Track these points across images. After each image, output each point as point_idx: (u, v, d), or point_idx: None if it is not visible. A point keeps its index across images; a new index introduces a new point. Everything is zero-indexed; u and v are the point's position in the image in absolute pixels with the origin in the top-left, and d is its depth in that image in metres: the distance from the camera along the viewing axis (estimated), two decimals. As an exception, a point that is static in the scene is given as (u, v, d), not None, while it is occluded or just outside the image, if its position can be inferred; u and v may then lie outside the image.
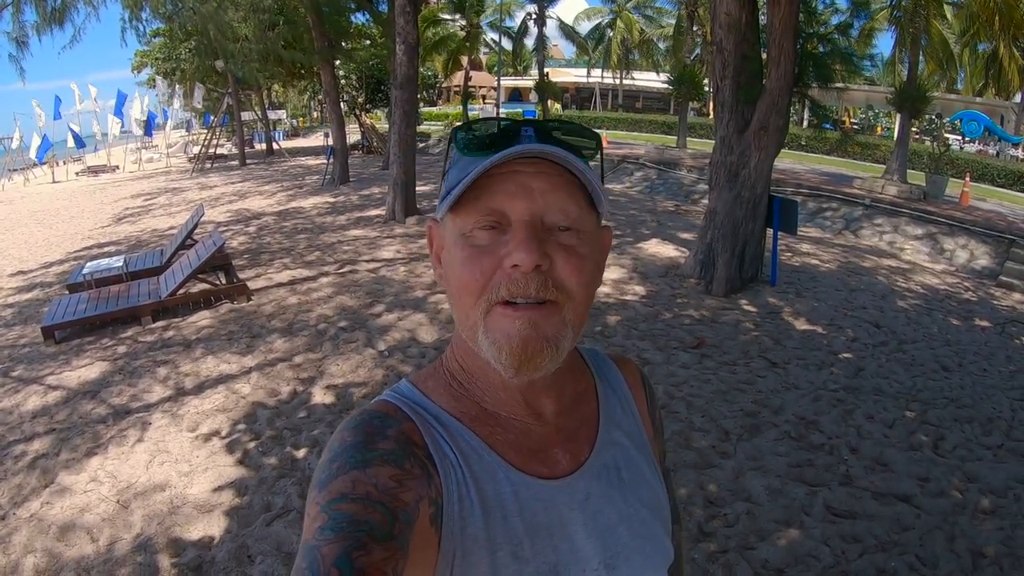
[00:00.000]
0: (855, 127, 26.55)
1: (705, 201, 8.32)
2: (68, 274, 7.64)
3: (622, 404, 0.79)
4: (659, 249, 8.45)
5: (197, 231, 8.50)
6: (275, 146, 24.96)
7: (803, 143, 21.33)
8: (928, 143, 20.20)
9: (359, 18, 18.96)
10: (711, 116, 19.39)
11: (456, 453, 0.64)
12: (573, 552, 0.65)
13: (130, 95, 25.93)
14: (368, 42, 21.62)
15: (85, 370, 4.87)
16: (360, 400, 4.28)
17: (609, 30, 32.99)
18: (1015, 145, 19.91)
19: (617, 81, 36.70)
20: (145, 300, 5.94)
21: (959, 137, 20.67)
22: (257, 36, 15.95)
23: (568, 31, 33.53)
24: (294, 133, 36.72)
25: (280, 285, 6.92)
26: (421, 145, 21.26)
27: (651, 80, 34.43)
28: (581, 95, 41.75)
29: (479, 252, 0.61)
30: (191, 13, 13.55)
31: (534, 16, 28.13)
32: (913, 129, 17.82)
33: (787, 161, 17.77)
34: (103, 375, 4.78)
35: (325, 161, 16.66)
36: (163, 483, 3.39)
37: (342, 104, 18.79)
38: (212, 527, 3.03)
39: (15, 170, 23.22)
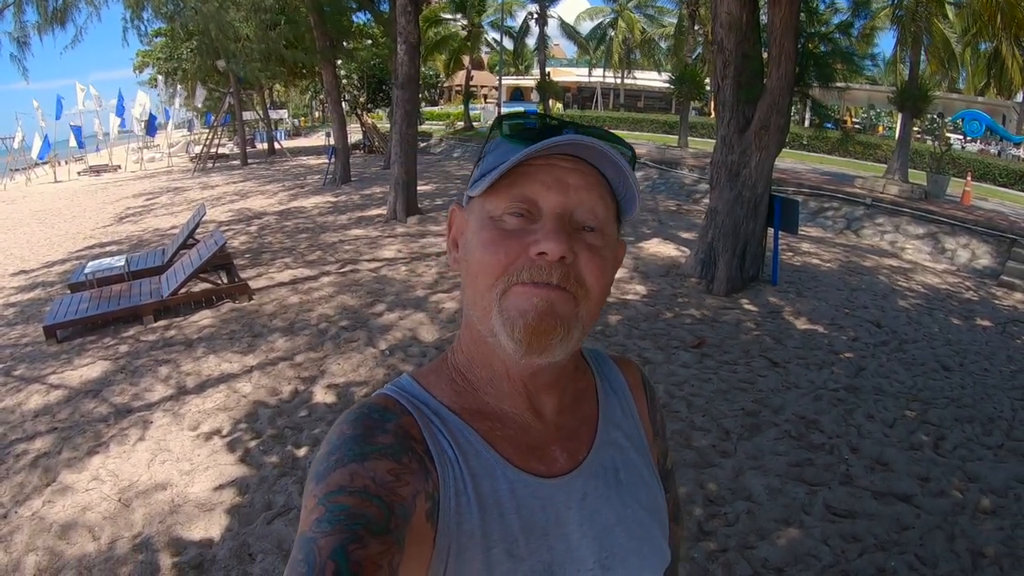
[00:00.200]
0: (857, 126, 26.52)
1: (706, 200, 8.32)
2: (70, 273, 7.65)
3: (622, 405, 0.79)
4: (660, 248, 8.45)
5: (199, 230, 8.51)
6: (277, 146, 24.99)
7: (804, 142, 21.30)
8: (930, 142, 20.17)
9: (360, 18, 18.97)
10: (712, 115, 19.38)
11: (454, 449, 0.63)
12: (569, 551, 0.65)
13: (132, 95, 25.98)
14: (369, 42, 21.64)
15: (87, 369, 4.88)
16: (361, 399, 4.28)
17: (610, 29, 32.95)
18: (1017, 144, 19.88)
19: (619, 80, 36.67)
20: (147, 299, 5.96)
21: (960, 136, 20.64)
22: (258, 36, 15.95)
23: (569, 31, 33.49)
24: (295, 133, 36.77)
25: (281, 284, 6.93)
26: (422, 145, 21.29)
27: (652, 79, 34.39)
28: (583, 95, 41.73)
29: (506, 235, 0.61)
30: (192, 13, 13.56)
31: (535, 16, 28.12)
32: (915, 128, 17.80)
33: (788, 160, 17.76)
34: (105, 374, 4.79)
35: (326, 161, 16.68)
36: (164, 482, 3.40)
37: (343, 104, 18.80)
38: (213, 525, 3.04)
39: (17, 169, 23.27)
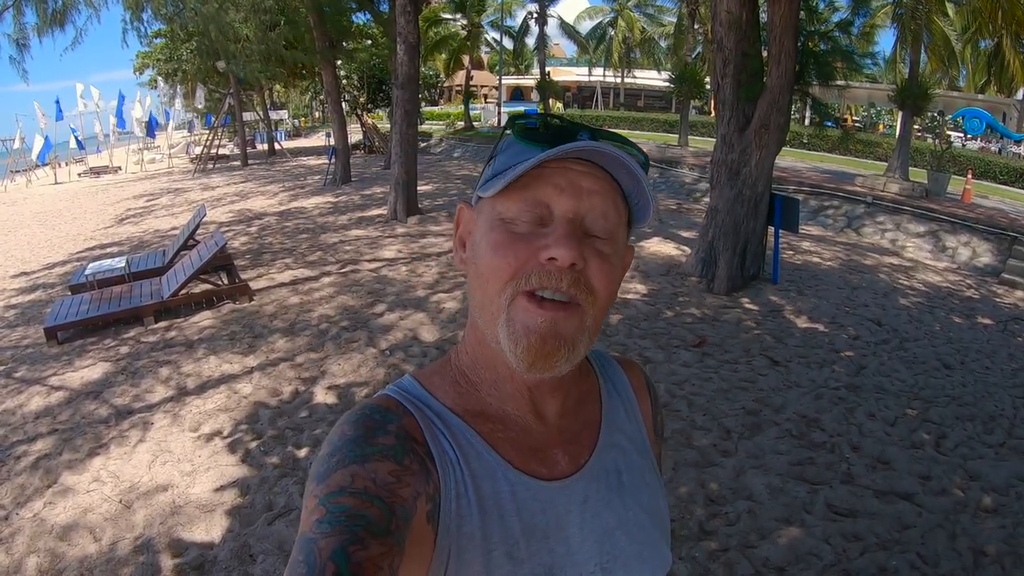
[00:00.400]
0: (857, 125, 26.50)
1: (706, 199, 8.32)
2: (71, 275, 7.66)
3: (625, 407, 0.78)
4: (660, 248, 8.45)
5: (199, 231, 8.52)
6: (277, 146, 25.00)
7: (805, 141, 21.30)
8: (930, 140, 20.16)
9: (360, 18, 18.97)
10: (713, 114, 19.37)
11: (456, 450, 0.63)
12: (569, 554, 0.64)
13: (132, 96, 25.99)
14: (369, 42, 21.65)
15: (88, 371, 4.88)
16: (361, 400, 4.29)
17: (610, 29, 32.93)
18: (1017, 142, 19.86)
19: (618, 80, 36.66)
20: (147, 300, 5.96)
21: (961, 134, 20.62)
22: (258, 36, 15.98)
23: (569, 30, 33.48)
24: (296, 133, 36.79)
25: (282, 285, 6.93)
26: (423, 145, 21.29)
27: (652, 79, 34.38)
28: (583, 94, 41.71)
29: (516, 238, 0.61)
30: (192, 14, 13.58)
31: (535, 15, 28.12)
32: (915, 127, 17.78)
33: (789, 159, 17.74)
34: (105, 375, 4.79)
35: (327, 161, 16.68)
36: (165, 483, 3.40)
37: (343, 104, 18.81)
38: (214, 526, 3.04)
39: (17, 171, 23.28)
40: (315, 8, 14.04)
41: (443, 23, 27.43)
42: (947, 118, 20.31)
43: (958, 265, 9.33)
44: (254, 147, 27.24)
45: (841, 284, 7.18)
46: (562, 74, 38.87)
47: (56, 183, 20.95)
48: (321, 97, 31.18)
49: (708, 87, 20.52)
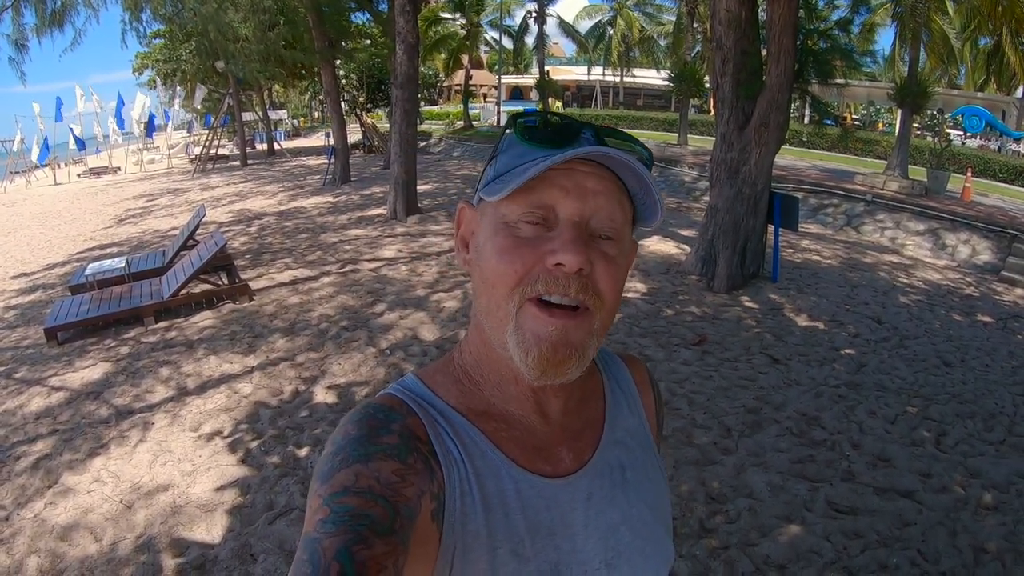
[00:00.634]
0: (856, 123, 26.49)
1: (706, 198, 8.32)
2: (70, 275, 7.66)
3: (629, 403, 0.78)
4: (660, 246, 8.45)
5: (199, 232, 8.52)
6: (276, 146, 25.00)
7: (804, 139, 21.29)
8: (929, 139, 20.15)
9: (359, 18, 18.96)
10: (712, 113, 19.38)
11: (460, 449, 0.63)
12: (574, 551, 0.64)
13: (131, 97, 25.98)
14: (368, 42, 21.60)
15: (88, 371, 4.88)
16: (362, 399, 4.29)
17: (609, 28, 32.91)
18: (1017, 140, 19.84)
19: (618, 79, 36.63)
20: (147, 301, 5.96)
21: (960, 132, 20.61)
22: (257, 36, 15.96)
23: (568, 29, 33.47)
24: (295, 133, 36.77)
25: (282, 285, 6.93)
26: (422, 144, 21.28)
27: (652, 77, 34.38)
28: (582, 93, 41.69)
29: (521, 243, 0.60)
30: (191, 14, 13.57)
31: (534, 14, 28.10)
32: (914, 125, 17.78)
33: (788, 157, 17.73)
34: (106, 376, 4.79)
35: (326, 161, 16.68)
36: (166, 483, 3.40)
37: (343, 104, 18.81)
38: (215, 526, 3.04)
39: (17, 172, 23.27)
40: (314, 8, 14.03)
41: (442, 22, 27.42)
42: (947, 116, 20.31)
43: (958, 263, 9.33)
44: (253, 147, 27.23)
45: (841, 282, 7.18)
46: (561, 73, 38.86)
47: (55, 184, 20.94)
48: (320, 97, 31.21)
49: (707, 86, 20.51)
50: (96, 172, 23.33)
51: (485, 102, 41.31)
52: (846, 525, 3.04)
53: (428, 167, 17.51)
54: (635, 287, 6.67)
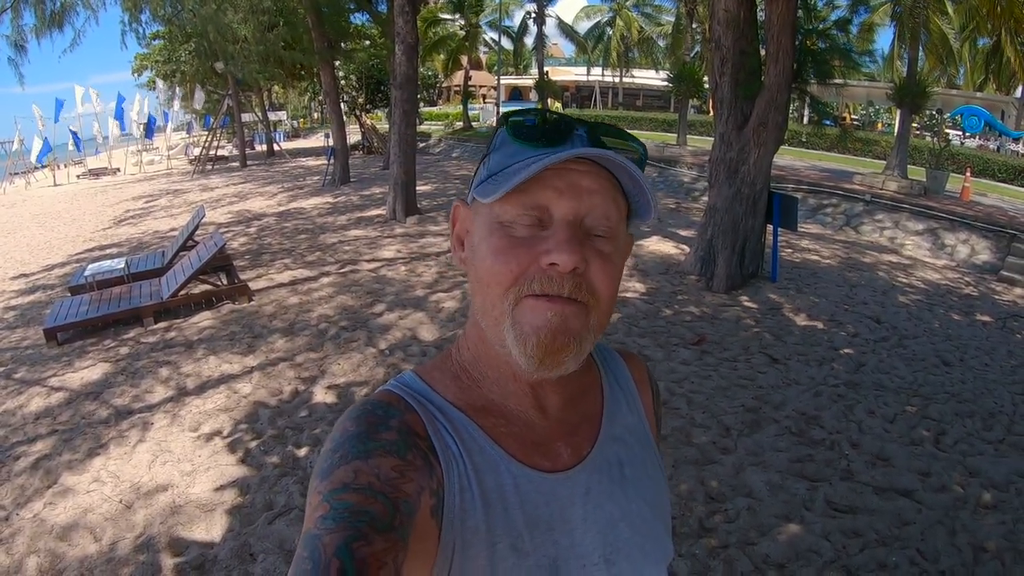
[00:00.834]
0: (855, 123, 26.51)
1: (705, 198, 8.33)
2: (70, 276, 7.66)
3: (627, 400, 0.78)
4: (659, 246, 8.45)
5: (198, 232, 8.52)
6: (276, 147, 24.97)
7: (803, 139, 21.29)
8: (928, 139, 20.16)
9: (358, 19, 18.96)
10: (711, 113, 19.38)
11: (459, 445, 0.63)
12: (573, 546, 0.64)
13: (130, 98, 25.98)
14: (368, 42, 21.62)
15: (87, 371, 4.88)
16: (364, 396, 4.28)
17: (608, 28, 32.94)
18: (1016, 140, 19.86)
19: (617, 79, 36.65)
20: (147, 301, 5.96)
21: (960, 132, 20.62)
22: (257, 37, 15.97)
23: (567, 30, 33.49)
24: (294, 134, 36.74)
25: (281, 285, 6.93)
26: (421, 145, 21.27)
27: (651, 78, 34.37)
28: (581, 93, 41.69)
29: (515, 243, 0.60)
30: (191, 15, 13.57)
31: (533, 15, 28.11)
32: (913, 125, 17.79)
33: (787, 158, 17.74)
34: (105, 376, 4.79)
35: (326, 162, 16.68)
36: (165, 483, 3.40)
37: (342, 105, 18.81)
38: (214, 526, 3.04)
39: (16, 173, 23.25)
40: (313, 9, 14.04)
41: (441, 23, 27.42)
42: (946, 116, 20.33)
43: (957, 263, 9.34)
44: (253, 148, 27.20)
45: (840, 282, 7.19)
46: (560, 74, 38.86)
47: (55, 185, 20.93)
48: (320, 98, 31.17)
49: (706, 86, 20.53)
50: (95, 173, 23.31)
51: (484, 103, 41.31)
52: (845, 524, 3.04)
53: (427, 168, 17.51)
54: (634, 287, 6.68)
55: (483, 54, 40.53)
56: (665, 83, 21.41)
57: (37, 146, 23.07)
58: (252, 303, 6.33)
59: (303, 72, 23.78)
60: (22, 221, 13.71)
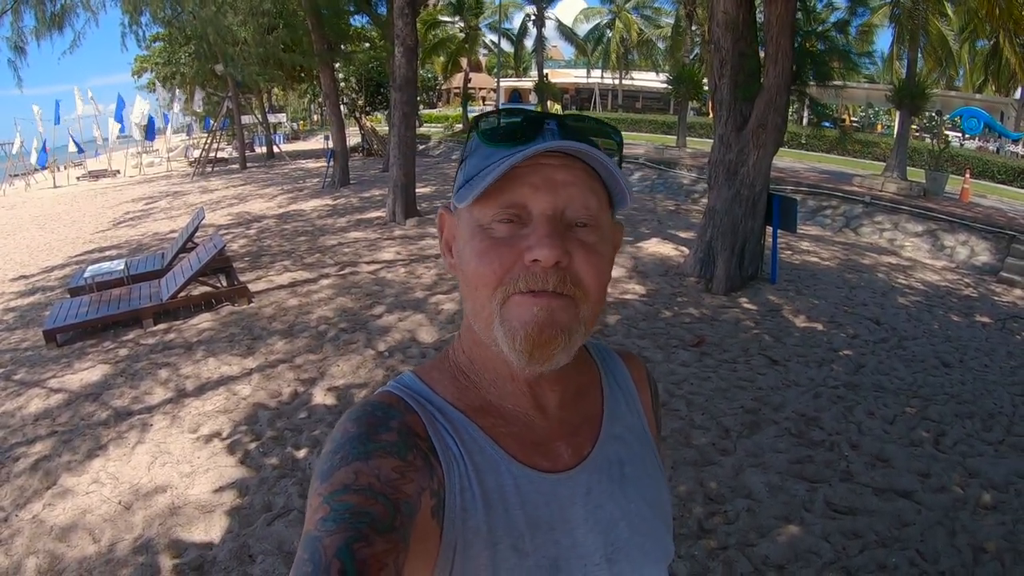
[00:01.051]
0: (855, 125, 26.54)
1: (705, 200, 8.33)
2: (70, 278, 7.66)
3: (626, 400, 0.78)
4: (659, 248, 8.45)
5: (198, 234, 8.52)
6: (275, 149, 24.98)
7: (803, 141, 21.32)
8: (928, 140, 20.18)
9: (358, 21, 18.99)
10: (711, 115, 19.40)
11: (459, 445, 0.63)
12: (574, 546, 0.65)
13: (130, 99, 25.98)
14: (367, 45, 21.67)
15: (87, 373, 4.88)
16: (364, 397, 4.28)
17: (608, 30, 33.03)
18: (1015, 141, 19.88)
19: (616, 81, 36.73)
20: (146, 303, 5.96)
21: (959, 134, 20.64)
22: (256, 40, 15.99)
23: (567, 32, 33.58)
24: (294, 136, 36.73)
25: (281, 287, 6.93)
26: (421, 147, 21.29)
27: (650, 80, 34.43)
28: (581, 96, 41.76)
29: (498, 244, 0.60)
30: (190, 17, 13.58)
31: (533, 17, 28.18)
32: (913, 126, 17.80)
33: (787, 159, 17.76)
34: (105, 377, 4.79)
35: (325, 164, 16.68)
36: (164, 484, 3.40)
37: (342, 107, 18.82)
38: (213, 527, 3.04)
39: (16, 175, 23.27)
40: (313, 11, 14.06)
41: (441, 25, 27.48)
42: (945, 118, 20.32)
43: (956, 264, 9.34)
44: (253, 150, 27.22)
45: (839, 283, 7.19)
46: (560, 76, 38.93)
47: (55, 187, 20.94)
48: (319, 100, 31.21)
49: (706, 88, 20.55)
50: (95, 175, 23.33)
51: (484, 105, 41.36)
52: (845, 525, 3.04)
53: (427, 170, 17.51)
54: (634, 288, 6.68)
55: (483, 56, 40.57)
56: (664, 85, 21.45)
57: (37, 148, 23.09)
58: (252, 305, 6.33)
59: (303, 74, 23.82)
60: (22, 223, 13.72)
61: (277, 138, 27.59)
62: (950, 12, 17.72)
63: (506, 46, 32.92)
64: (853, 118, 28.85)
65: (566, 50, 45.44)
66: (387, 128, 16.79)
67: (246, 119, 25.03)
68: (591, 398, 0.75)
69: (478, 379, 0.69)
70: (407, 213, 10.35)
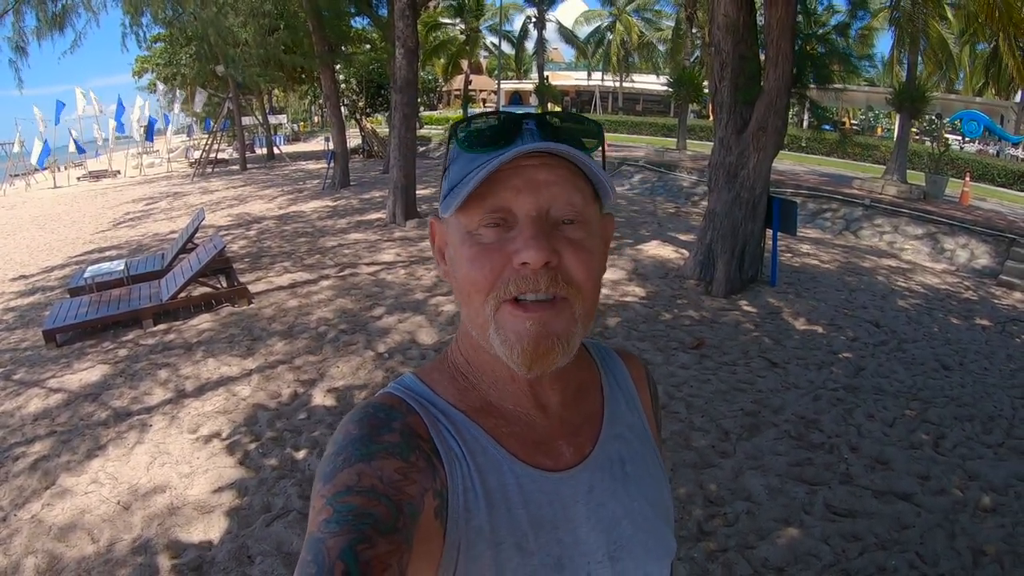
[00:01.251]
0: (855, 128, 26.57)
1: (705, 203, 8.34)
2: (69, 278, 7.66)
3: (626, 398, 0.79)
4: (659, 251, 8.45)
5: (198, 235, 8.52)
6: (276, 150, 25.00)
7: (803, 144, 21.34)
8: (928, 143, 20.20)
9: (359, 22, 19.01)
10: (711, 118, 19.42)
11: (461, 446, 0.64)
12: (577, 544, 0.65)
13: (131, 100, 26.02)
14: (368, 46, 21.67)
15: (86, 373, 4.88)
16: (360, 402, 4.28)
17: (608, 33, 33.09)
18: (1015, 144, 19.91)
19: (617, 84, 36.78)
20: (146, 303, 5.96)
21: (959, 137, 20.67)
22: (257, 41, 16.03)
23: (568, 34, 33.64)
24: (295, 137, 36.76)
25: (280, 288, 6.93)
26: (421, 149, 21.30)
27: (651, 83, 34.52)
28: (581, 98, 41.80)
29: (486, 250, 0.60)
30: (191, 18, 13.61)
31: (534, 20, 28.22)
32: (913, 130, 17.82)
33: (787, 162, 17.78)
34: (104, 378, 4.79)
35: (326, 165, 16.70)
36: (163, 484, 3.39)
37: (342, 108, 18.84)
38: (212, 528, 3.04)
39: (16, 175, 23.28)
40: (314, 12, 14.07)
41: (442, 27, 27.54)
42: (945, 121, 20.36)
43: (956, 267, 9.35)
44: (253, 151, 27.23)
45: (839, 286, 7.19)
46: (561, 78, 38.96)
47: (55, 187, 20.95)
48: (320, 101, 31.22)
49: (706, 91, 20.57)
50: (95, 175, 23.34)
51: (484, 107, 41.40)
52: (844, 528, 3.04)
53: (427, 172, 17.51)
54: (633, 291, 6.68)
55: (483, 58, 40.66)
56: (665, 88, 21.50)
57: (38, 148, 23.09)
58: (251, 306, 6.33)
59: (303, 76, 23.84)
60: (22, 223, 13.72)
61: (277, 139, 27.60)
62: (950, 15, 17.75)
63: (507, 48, 32.98)
64: (853, 121, 28.88)
65: (567, 52, 45.48)
66: (387, 130, 16.80)
67: (247, 120, 25.03)
68: (592, 397, 0.76)
69: (477, 380, 0.69)
70: (407, 215, 10.36)
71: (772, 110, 6.27)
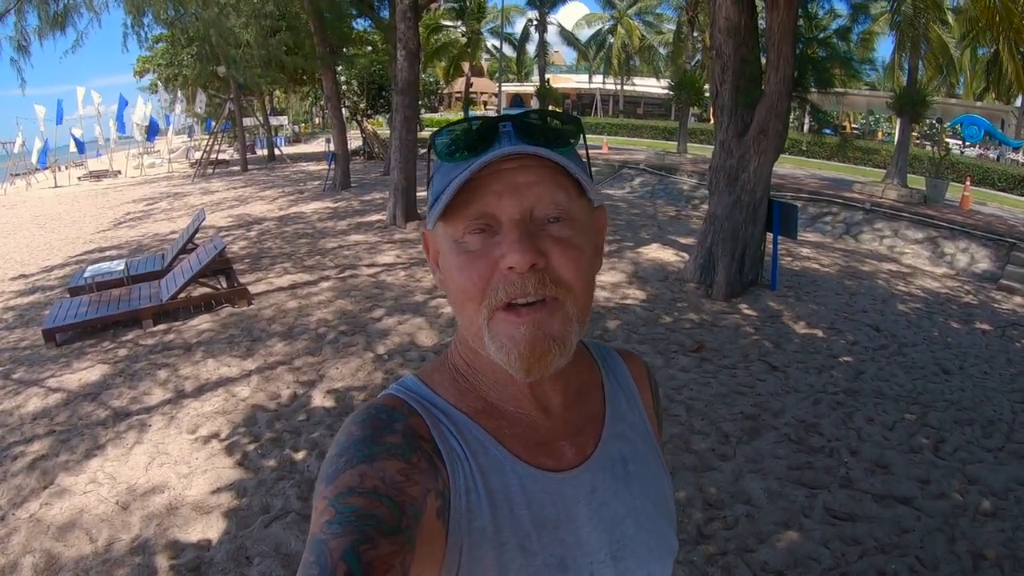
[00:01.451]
0: (856, 132, 26.58)
1: (705, 206, 8.35)
2: (69, 278, 7.66)
3: (628, 398, 0.79)
4: (659, 254, 8.46)
5: (198, 236, 8.53)
6: (277, 152, 25.03)
7: (804, 148, 21.36)
8: (928, 147, 20.22)
9: (361, 24, 19.03)
10: (712, 122, 19.43)
11: (463, 447, 0.64)
12: (580, 544, 0.65)
13: (132, 100, 26.03)
14: (370, 48, 21.73)
15: (86, 372, 4.88)
16: (360, 403, 4.28)
17: (610, 36, 33.12)
18: (1015, 149, 19.93)
19: (618, 87, 36.81)
20: (146, 303, 5.96)
21: (959, 141, 20.69)
22: (259, 42, 16.04)
23: (569, 37, 33.64)
24: (296, 139, 36.82)
25: (280, 289, 6.92)
26: (422, 151, 21.31)
27: (652, 86, 34.56)
28: (582, 101, 41.86)
29: (473, 257, 0.60)
30: (193, 19, 13.62)
31: (535, 22, 28.24)
32: (913, 134, 17.84)
33: (788, 166, 17.80)
34: (103, 377, 4.78)
35: (326, 167, 16.71)
36: (162, 484, 3.39)
37: (344, 110, 18.85)
38: (210, 528, 3.03)
39: (17, 174, 23.31)
40: (316, 14, 14.09)
41: (443, 30, 27.58)
42: (945, 125, 20.39)
43: (956, 271, 9.35)
44: (254, 152, 27.27)
45: (839, 290, 7.19)
46: (562, 81, 39.03)
47: (56, 186, 20.97)
48: (321, 103, 31.26)
49: (707, 94, 20.59)
50: (96, 175, 23.36)
51: (485, 109, 41.44)
52: (844, 531, 3.03)
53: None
54: (634, 294, 6.68)
55: (485, 61, 40.73)
56: (666, 91, 21.54)
57: (38, 147, 23.12)
58: (251, 307, 6.32)
59: (305, 77, 23.84)
60: (22, 222, 13.73)
61: (278, 140, 27.64)
62: (951, 20, 17.77)
63: (508, 51, 32.99)
64: (854, 125, 28.89)
65: (568, 55, 45.64)
66: (388, 131, 16.81)
67: (248, 121, 25.06)
68: (593, 397, 0.76)
69: (478, 382, 0.69)
70: (407, 216, 10.36)
71: (773, 114, 6.28)
